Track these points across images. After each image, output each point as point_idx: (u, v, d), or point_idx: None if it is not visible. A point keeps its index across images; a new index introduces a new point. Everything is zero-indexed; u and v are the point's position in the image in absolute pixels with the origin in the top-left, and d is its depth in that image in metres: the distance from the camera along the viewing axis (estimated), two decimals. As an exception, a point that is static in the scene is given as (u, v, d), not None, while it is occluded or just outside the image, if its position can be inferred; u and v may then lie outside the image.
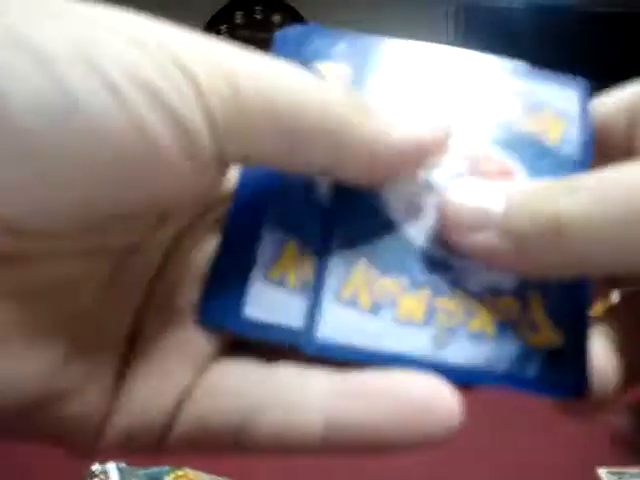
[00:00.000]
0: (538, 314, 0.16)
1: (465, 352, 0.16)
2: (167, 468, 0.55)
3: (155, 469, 0.54)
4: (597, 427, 0.81)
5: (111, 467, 0.54)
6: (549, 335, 0.16)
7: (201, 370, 0.17)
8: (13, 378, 0.15)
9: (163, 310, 0.17)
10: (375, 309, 0.16)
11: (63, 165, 0.13)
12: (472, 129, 0.17)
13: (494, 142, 0.17)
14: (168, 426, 0.17)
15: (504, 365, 0.17)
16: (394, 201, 0.17)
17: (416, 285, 0.16)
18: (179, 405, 0.17)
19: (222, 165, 0.14)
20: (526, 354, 0.16)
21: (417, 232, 0.16)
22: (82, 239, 0.15)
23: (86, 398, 0.16)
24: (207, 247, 0.17)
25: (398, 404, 0.16)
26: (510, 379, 0.17)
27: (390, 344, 0.16)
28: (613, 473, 0.65)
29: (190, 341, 0.17)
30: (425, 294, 0.16)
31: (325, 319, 0.16)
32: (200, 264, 0.17)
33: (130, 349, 0.17)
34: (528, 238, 0.15)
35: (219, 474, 0.57)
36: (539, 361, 0.16)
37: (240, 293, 0.16)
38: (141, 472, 0.54)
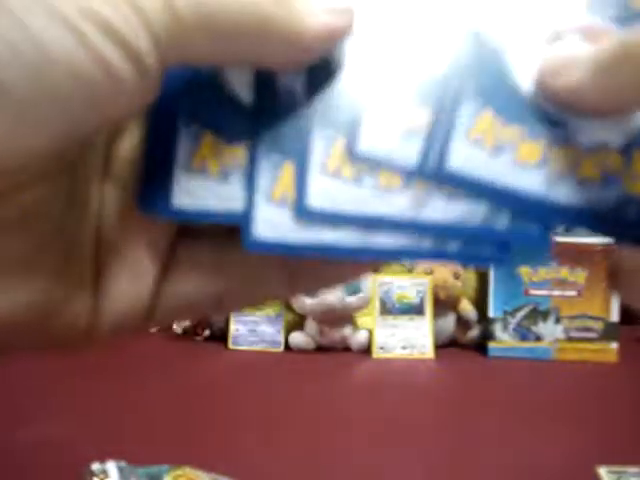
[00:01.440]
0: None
1: (572, 194, 0.17)
2: (166, 467, 0.55)
3: (155, 468, 0.55)
4: (598, 427, 0.81)
5: (111, 466, 0.54)
6: None
7: (165, 259, 0.19)
8: (14, 304, 0.17)
9: (117, 210, 0.19)
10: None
11: (38, 106, 0.14)
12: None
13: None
14: (150, 312, 0.19)
15: (606, 208, 0.17)
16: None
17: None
18: (155, 295, 0.19)
19: (161, 72, 0.16)
20: (627, 200, 0.17)
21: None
22: (46, 168, 0.16)
23: (74, 306, 0.18)
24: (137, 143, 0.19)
25: None
26: (609, 221, 0.17)
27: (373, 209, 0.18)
28: (613, 472, 0.65)
29: (148, 233, 0.19)
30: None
31: (258, 219, 0.18)
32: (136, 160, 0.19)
33: (98, 254, 0.19)
34: (620, 71, 0.16)
35: (219, 473, 0.57)
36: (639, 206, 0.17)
37: (167, 184, 0.18)
38: (141, 471, 0.54)
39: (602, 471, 0.65)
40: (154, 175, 0.18)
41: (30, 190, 0.16)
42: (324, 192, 0.18)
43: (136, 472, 0.54)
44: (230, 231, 0.19)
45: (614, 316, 1.12)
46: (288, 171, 0.18)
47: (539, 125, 0.17)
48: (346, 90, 0.18)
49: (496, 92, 0.18)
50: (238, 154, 0.18)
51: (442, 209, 0.17)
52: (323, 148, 0.18)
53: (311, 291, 0.20)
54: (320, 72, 0.18)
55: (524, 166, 0.17)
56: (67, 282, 0.18)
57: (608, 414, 0.85)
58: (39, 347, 0.19)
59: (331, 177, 0.18)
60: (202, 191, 0.18)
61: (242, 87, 0.18)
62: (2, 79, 0.14)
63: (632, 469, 0.66)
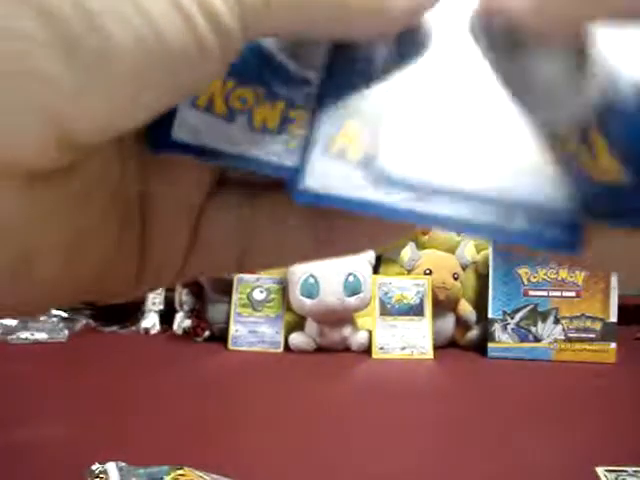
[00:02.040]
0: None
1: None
2: (167, 468, 0.55)
3: (155, 468, 0.55)
4: (596, 427, 0.81)
5: (111, 467, 0.54)
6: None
7: (198, 216, 0.20)
8: (77, 274, 0.17)
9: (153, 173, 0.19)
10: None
11: (148, 86, 0.15)
12: None
13: None
14: (182, 267, 0.20)
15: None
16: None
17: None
18: (188, 253, 0.20)
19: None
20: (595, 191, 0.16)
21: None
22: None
23: (127, 268, 0.19)
24: None
25: None
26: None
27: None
28: (611, 472, 0.65)
29: (183, 190, 0.19)
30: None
31: (311, 169, 0.17)
32: None
33: (143, 215, 0.19)
34: None
35: (219, 473, 0.58)
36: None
37: (170, 118, 0.18)
38: (141, 471, 0.54)
39: (600, 471, 0.65)
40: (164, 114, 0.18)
41: (95, 161, 0.16)
42: (401, 156, 0.17)
43: (136, 473, 0.54)
44: (263, 187, 0.20)
45: (613, 316, 1.12)
46: (351, 127, 0.17)
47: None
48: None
49: None
50: (248, 96, 0.18)
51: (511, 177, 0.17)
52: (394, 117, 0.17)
53: (338, 255, 0.21)
54: (406, 45, 0.18)
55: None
56: (123, 247, 0.18)
57: (607, 414, 0.86)
58: (91, 300, 0.20)
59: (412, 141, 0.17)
60: (204, 127, 0.18)
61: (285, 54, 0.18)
62: (120, 59, 0.14)
63: (631, 469, 0.66)
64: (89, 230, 0.17)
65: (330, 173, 0.17)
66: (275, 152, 0.18)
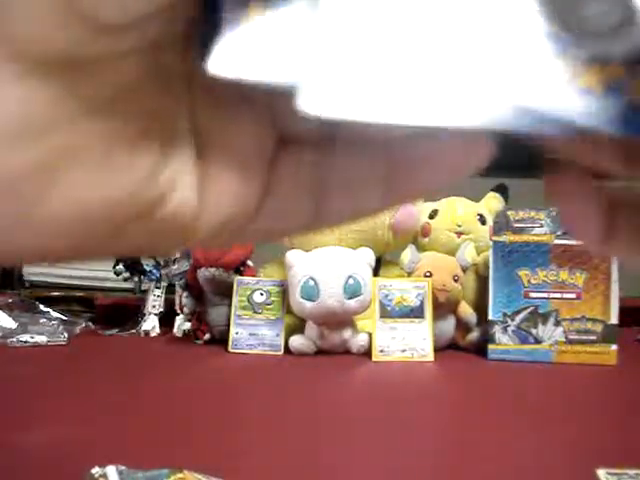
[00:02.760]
0: None
1: (575, 103, 0.16)
2: (166, 471, 0.55)
3: (154, 472, 0.55)
4: (597, 429, 0.81)
5: (111, 470, 0.54)
6: None
7: (269, 167, 0.19)
8: (128, 186, 0.17)
9: (211, 102, 0.18)
10: None
11: None
12: None
13: None
14: (251, 220, 0.19)
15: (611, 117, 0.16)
16: None
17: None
18: (259, 202, 0.19)
19: None
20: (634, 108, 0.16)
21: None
22: (144, 33, 0.15)
23: (178, 194, 0.17)
24: None
25: None
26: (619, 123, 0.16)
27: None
28: (612, 474, 0.65)
29: (254, 135, 0.18)
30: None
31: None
32: None
33: (200, 146, 0.18)
34: None
35: (219, 476, 0.57)
36: None
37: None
38: (140, 475, 0.54)
39: (601, 473, 0.65)
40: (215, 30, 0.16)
41: (122, 66, 0.16)
42: None
43: (136, 476, 0.54)
44: (330, 140, 0.19)
45: (613, 318, 1.12)
46: None
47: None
48: None
49: None
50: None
51: None
52: None
53: (407, 200, 0.21)
54: None
55: None
56: (171, 170, 0.17)
57: (608, 416, 0.85)
58: (145, 244, 0.18)
59: None
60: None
61: None
62: None
63: (631, 471, 0.66)
64: (126, 141, 0.16)
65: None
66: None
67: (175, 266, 1.28)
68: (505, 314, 1.13)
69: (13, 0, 0.14)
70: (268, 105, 0.18)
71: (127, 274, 1.35)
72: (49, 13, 0.14)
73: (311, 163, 0.19)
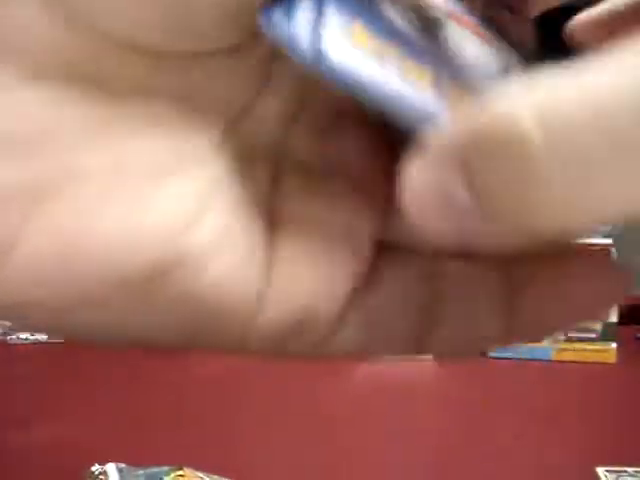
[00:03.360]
0: None
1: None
2: (166, 468, 0.55)
3: (155, 469, 0.55)
4: (597, 427, 0.81)
5: (111, 468, 0.54)
6: None
7: (365, 254, 0.15)
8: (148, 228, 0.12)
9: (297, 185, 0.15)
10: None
11: None
12: None
13: None
14: (335, 325, 0.14)
15: None
16: None
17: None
18: (349, 302, 0.14)
19: None
20: None
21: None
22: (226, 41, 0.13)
23: (230, 261, 0.13)
24: None
25: None
26: None
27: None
28: (612, 472, 0.65)
29: (342, 215, 0.14)
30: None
31: (331, 37, 0.14)
32: None
33: (273, 218, 0.14)
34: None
35: (219, 474, 0.57)
36: None
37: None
38: (140, 472, 0.54)
39: (601, 471, 0.65)
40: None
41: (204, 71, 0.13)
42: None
43: (136, 473, 0.54)
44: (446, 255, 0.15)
45: (613, 316, 1.12)
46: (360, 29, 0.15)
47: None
48: None
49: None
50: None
51: None
52: None
53: (533, 338, 0.16)
54: None
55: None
56: (217, 221, 0.13)
57: (607, 414, 0.86)
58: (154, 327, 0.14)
59: None
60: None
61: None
62: None
63: (631, 469, 0.66)
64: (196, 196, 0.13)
65: (351, 51, 0.14)
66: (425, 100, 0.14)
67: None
68: (505, 312, 1.13)
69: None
70: (372, 195, 0.15)
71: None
72: None
73: (420, 277, 0.15)
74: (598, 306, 0.15)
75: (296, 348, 0.15)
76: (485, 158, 0.11)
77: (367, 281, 0.15)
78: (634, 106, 0.10)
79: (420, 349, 0.15)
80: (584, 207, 0.10)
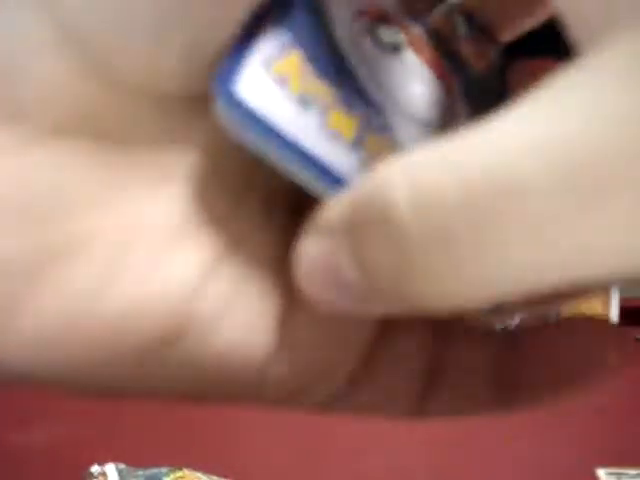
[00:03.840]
0: None
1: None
2: (166, 469, 0.55)
3: (154, 470, 0.55)
4: (597, 428, 0.81)
5: (110, 468, 0.54)
6: None
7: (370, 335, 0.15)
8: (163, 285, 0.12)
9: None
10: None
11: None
12: None
13: None
14: (341, 391, 0.15)
15: None
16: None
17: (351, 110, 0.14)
18: (356, 372, 0.15)
19: None
20: None
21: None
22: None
23: (243, 323, 0.13)
24: None
25: None
26: None
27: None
28: (612, 474, 0.65)
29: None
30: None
31: (249, 76, 0.13)
32: None
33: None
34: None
35: (219, 475, 0.57)
36: None
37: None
38: (140, 473, 0.54)
39: (601, 472, 0.65)
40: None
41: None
42: None
43: (135, 474, 0.54)
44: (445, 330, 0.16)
45: (613, 316, 1.12)
46: (295, 58, 0.14)
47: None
48: None
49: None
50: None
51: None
52: None
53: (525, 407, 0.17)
54: None
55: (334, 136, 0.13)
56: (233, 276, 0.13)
57: (607, 415, 0.85)
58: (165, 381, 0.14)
59: None
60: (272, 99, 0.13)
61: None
62: None
63: (631, 471, 0.66)
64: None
65: (267, 92, 0.13)
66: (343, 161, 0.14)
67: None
68: (505, 313, 1.13)
69: None
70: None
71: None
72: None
73: (422, 344, 0.16)
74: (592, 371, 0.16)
75: (301, 402, 0.15)
76: (365, 228, 0.10)
77: (375, 346, 0.15)
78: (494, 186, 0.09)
79: (421, 411, 0.16)
80: (462, 286, 0.09)
